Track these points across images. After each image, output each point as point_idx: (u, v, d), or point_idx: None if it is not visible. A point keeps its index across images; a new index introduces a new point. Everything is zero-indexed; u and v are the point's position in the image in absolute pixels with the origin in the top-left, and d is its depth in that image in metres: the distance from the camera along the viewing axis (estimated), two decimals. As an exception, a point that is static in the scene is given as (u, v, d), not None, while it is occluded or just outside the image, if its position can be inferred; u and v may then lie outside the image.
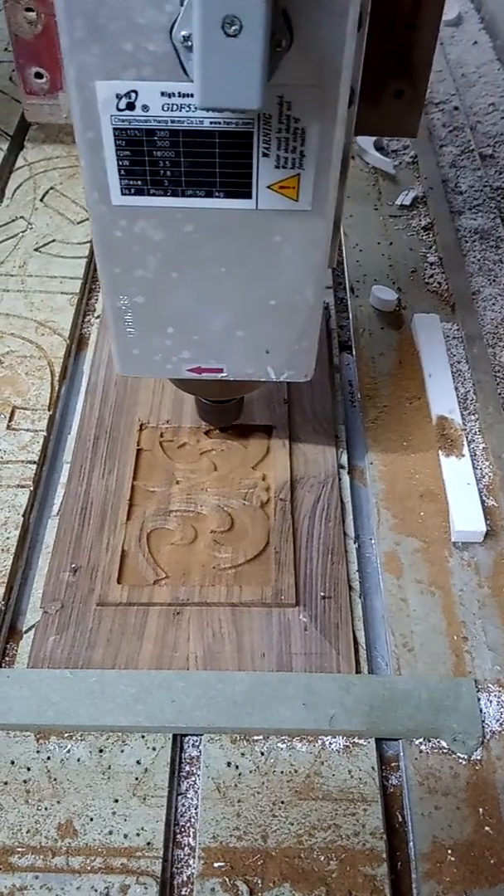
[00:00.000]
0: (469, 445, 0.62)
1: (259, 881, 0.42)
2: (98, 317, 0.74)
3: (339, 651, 0.51)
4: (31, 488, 0.59)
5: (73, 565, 0.54)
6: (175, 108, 0.35)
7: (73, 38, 0.33)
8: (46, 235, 0.81)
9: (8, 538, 0.56)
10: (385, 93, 0.49)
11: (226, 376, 0.48)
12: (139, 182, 0.38)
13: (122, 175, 0.38)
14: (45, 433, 0.63)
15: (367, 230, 0.84)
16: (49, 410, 0.64)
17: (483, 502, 0.58)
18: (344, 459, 0.62)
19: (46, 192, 0.86)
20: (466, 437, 0.63)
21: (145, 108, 0.35)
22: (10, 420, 0.63)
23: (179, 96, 0.35)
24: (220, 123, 0.36)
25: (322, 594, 0.53)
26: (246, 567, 0.55)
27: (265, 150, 0.37)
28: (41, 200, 0.85)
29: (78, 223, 0.83)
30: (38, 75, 0.45)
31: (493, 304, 0.76)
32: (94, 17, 0.33)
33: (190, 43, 0.32)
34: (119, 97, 0.35)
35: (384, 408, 0.66)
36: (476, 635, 0.52)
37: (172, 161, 0.37)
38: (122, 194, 0.39)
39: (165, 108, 0.35)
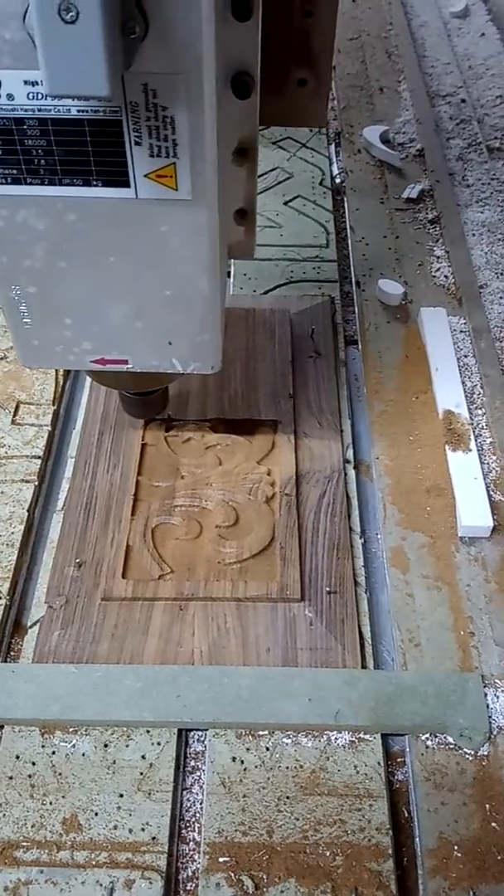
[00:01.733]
0: (476, 440, 0.62)
1: (264, 876, 0.42)
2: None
3: (345, 646, 0.50)
4: (36, 483, 0.59)
5: (78, 560, 0.54)
6: (40, 96, 0.35)
7: None
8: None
9: (13, 533, 0.56)
10: (288, 82, 0.49)
11: (131, 368, 0.48)
12: (14, 171, 0.38)
13: None
14: (49, 428, 0.63)
15: (374, 224, 0.83)
16: (53, 405, 0.64)
17: (490, 497, 0.58)
18: (350, 454, 0.62)
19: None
20: (473, 432, 0.62)
21: (10, 96, 0.35)
22: (15, 415, 0.63)
23: (42, 85, 0.35)
24: (87, 111, 0.35)
25: (328, 589, 0.53)
26: (251, 562, 0.54)
27: (137, 138, 0.36)
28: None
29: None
30: None
31: (501, 297, 0.75)
32: None
33: None
34: None
35: (390, 402, 0.65)
36: (483, 630, 0.52)
37: (45, 150, 0.37)
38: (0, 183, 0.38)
39: (31, 97, 0.35)
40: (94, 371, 0.49)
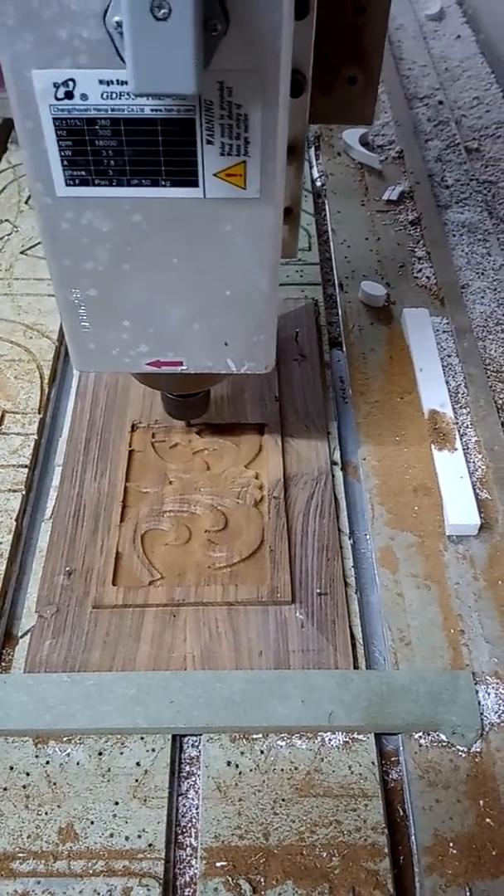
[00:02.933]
0: (461, 439, 0.62)
1: (262, 879, 0.42)
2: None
3: (337, 647, 0.51)
4: (24, 492, 0.59)
5: (68, 568, 0.54)
6: (114, 95, 0.35)
7: (6, 26, 0.33)
8: (32, 238, 0.81)
9: (1, 543, 0.56)
10: (338, 80, 0.49)
11: (185, 369, 0.47)
12: (83, 172, 0.38)
13: (65, 166, 0.38)
14: (35, 437, 0.62)
15: (355, 226, 0.84)
16: (39, 414, 0.64)
17: (476, 495, 0.59)
18: (337, 456, 0.62)
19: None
20: (458, 431, 0.63)
21: (84, 96, 0.35)
22: (1, 424, 0.63)
23: (118, 84, 0.34)
24: (161, 111, 0.35)
25: (318, 591, 0.53)
26: (241, 566, 0.55)
27: (209, 137, 0.36)
28: (26, 203, 0.85)
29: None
30: None
31: (482, 297, 0.76)
32: (26, 4, 0.32)
33: (122, 29, 0.31)
34: (57, 86, 0.35)
35: (376, 403, 0.66)
36: (473, 628, 0.52)
37: (115, 150, 0.37)
38: (67, 185, 0.38)
39: (105, 97, 0.35)
40: (143, 373, 0.48)
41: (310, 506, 0.58)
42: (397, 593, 0.54)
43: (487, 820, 0.44)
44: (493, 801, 0.45)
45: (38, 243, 0.80)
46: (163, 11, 0.28)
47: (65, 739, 0.47)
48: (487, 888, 0.42)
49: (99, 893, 0.41)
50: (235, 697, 0.48)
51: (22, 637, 0.52)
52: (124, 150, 0.37)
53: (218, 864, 0.42)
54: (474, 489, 0.59)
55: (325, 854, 0.43)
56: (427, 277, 0.78)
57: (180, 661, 0.50)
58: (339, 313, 0.74)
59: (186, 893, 0.42)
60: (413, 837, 0.44)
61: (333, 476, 0.60)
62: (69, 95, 0.35)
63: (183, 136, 0.36)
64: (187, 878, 0.43)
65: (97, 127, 0.36)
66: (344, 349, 0.71)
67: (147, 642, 0.51)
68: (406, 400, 0.66)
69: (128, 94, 0.35)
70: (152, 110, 0.35)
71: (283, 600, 0.52)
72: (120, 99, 0.35)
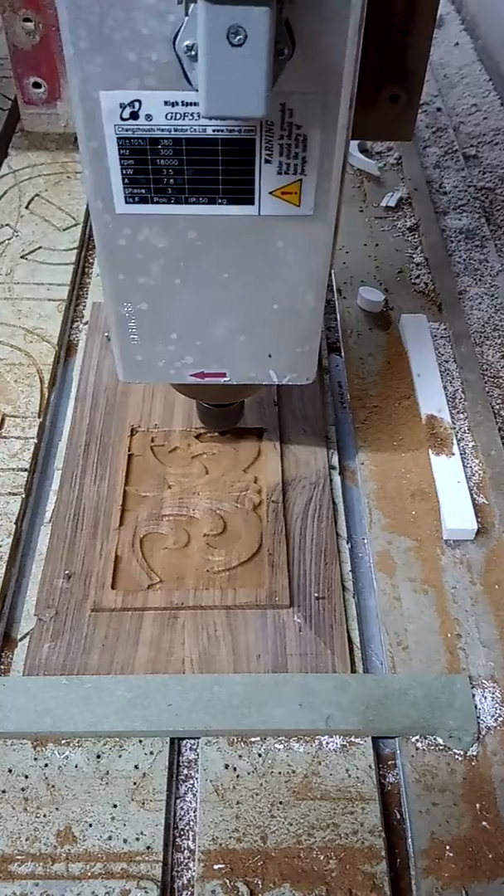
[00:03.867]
0: (459, 444, 0.63)
1: (259, 882, 0.42)
2: (87, 323, 0.74)
3: (334, 651, 0.51)
4: (23, 496, 0.59)
5: (67, 572, 0.54)
6: (178, 116, 0.36)
7: (78, 49, 0.34)
8: (33, 242, 0.81)
9: (0, 546, 0.56)
10: (380, 98, 0.50)
11: (228, 381, 0.48)
12: (143, 190, 0.39)
13: (125, 184, 0.38)
14: (35, 440, 0.63)
15: (353, 232, 0.84)
16: (39, 418, 0.64)
17: (474, 500, 0.59)
18: (335, 460, 0.62)
19: (32, 199, 0.86)
20: (456, 436, 0.63)
21: (149, 117, 0.36)
22: (1, 428, 0.63)
23: (183, 105, 0.35)
24: (222, 131, 0.36)
25: (316, 595, 0.54)
26: (239, 569, 0.55)
27: (268, 156, 0.37)
28: (26, 207, 0.85)
29: (64, 230, 0.83)
30: (37, 85, 0.45)
31: (480, 303, 0.76)
32: (99, 28, 0.33)
33: (194, 52, 0.32)
34: (123, 107, 0.35)
35: (374, 408, 0.66)
36: (469, 632, 0.52)
37: (176, 169, 0.38)
38: (126, 202, 0.39)
39: (169, 117, 0.36)
40: (184, 384, 0.49)
41: (308, 510, 0.58)
42: (395, 597, 0.54)
43: (484, 823, 0.44)
44: (489, 804, 0.45)
45: (39, 248, 0.80)
46: (238, 38, 0.29)
47: (63, 742, 0.47)
48: (483, 891, 0.42)
49: (97, 896, 0.41)
50: (233, 701, 0.48)
51: (21, 640, 0.52)
52: (184, 168, 0.38)
53: (216, 867, 0.42)
54: (471, 494, 0.59)
55: (322, 857, 0.43)
56: (425, 283, 0.78)
57: (179, 664, 0.50)
58: (338, 319, 0.75)
59: (184, 896, 0.42)
60: (410, 841, 0.44)
61: (332, 480, 0.61)
62: (134, 116, 0.36)
63: (242, 155, 0.37)
64: (185, 881, 0.43)
65: (159, 146, 0.37)
66: (342, 354, 0.71)
67: (146, 646, 0.51)
68: (404, 405, 0.66)
69: (192, 114, 0.36)
70: (214, 130, 0.36)
71: (282, 604, 0.53)
72: (183, 120, 0.36)
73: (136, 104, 0.35)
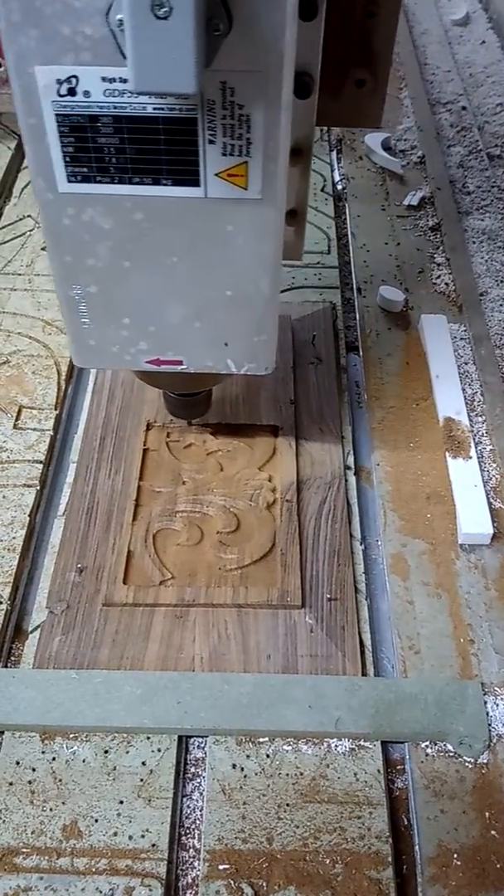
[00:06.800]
0: (476, 447, 0.62)
1: (264, 884, 0.42)
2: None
3: (345, 653, 0.51)
4: (38, 488, 0.59)
5: (79, 565, 0.54)
6: (117, 93, 0.35)
7: (10, 22, 0.33)
8: (53, 234, 0.81)
9: (14, 538, 0.56)
10: (347, 83, 0.49)
11: (185, 368, 0.47)
12: (85, 169, 0.38)
13: (67, 162, 0.38)
14: (51, 432, 0.63)
15: (375, 230, 0.84)
16: (56, 410, 0.64)
17: (490, 504, 0.58)
18: (350, 460, 0.62)
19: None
20: (474, 439, 0.63)
21: (87, 93, 0.35)
22: (17, 419, 0.63)
23: (121, 81, 0.34)
24: (163, 109, 0.35)
25: (328, 596, 0.53)
26: (252, 568, 0.55)
27: (211, 136, 0.36)
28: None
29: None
30: None
31: (501, 305, 0.75)
32: (30, 0, 0.32)
33: (124, 26, 0.31)
34: (59, 83, 0.35)
35: (391, 409, 0.66)
36: (483, 638, 0.52)
37: (117, 148, 0.37)
38: (69, 182, 0.38)
39: (107, 94, 0.35)
40: (143, 371, 0.49)
41: (322, 510, 0.58)
42: (407, 601, 0.54)
43: (493, 832, 0.44)
44: (498, 813, 0.45)
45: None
46: (164, 10, 0.29)
47: (71, 736, 0.47)
48: (491, 901, 0.42)
49: (101, 892, 0.41)
50: (243, 700, 0.48)
51: (32, 632, 0.52)
52: (126, 147, 0.37)
53: (220, 867, 0.42)
54: (488, 498, 0.59)
55: (328, 861, 0.43)
56: (446, 284, 0.78)
57: (188, 661, 0.50)
58: (357, 317, 0.74)
59: (188, 895, 0.42)
60: (417, 847, 0.44)
61: (346, 481, 0.60)
62: (72, 92, 0.35)
63: (185, 135, 0.36)
64: (189, 880, 0.43)
65: (99, 124, 0.36)
66: (360, 354, 0.71)
67: (156, 642, 0.51)
68: (421, 406, 0.66)
69: (130, 92, 0.35)
70: (154, 108, 0.35)
71: (293, 604, 0.52)
72: (122, 97, 0.35)
73: (73, 80, 0.35)
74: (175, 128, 0.36)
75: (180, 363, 0.47)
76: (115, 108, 0.35)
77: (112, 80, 0.34)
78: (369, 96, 0.50)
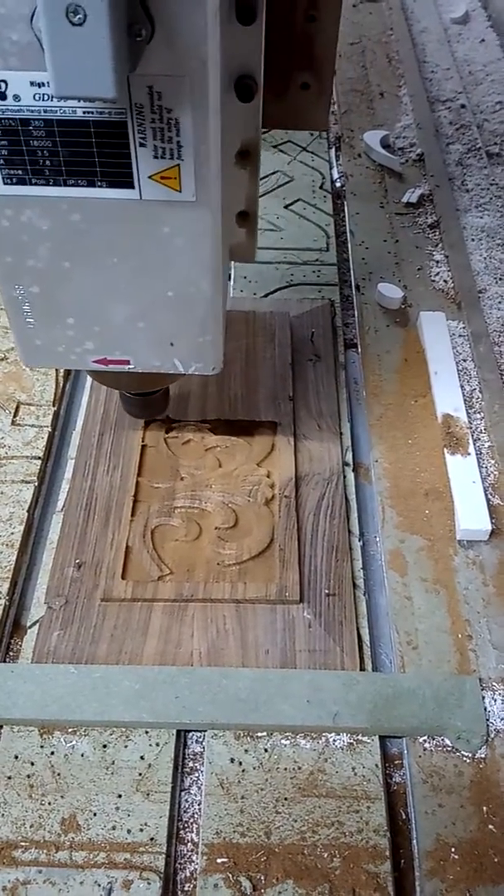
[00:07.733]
0: (474, 444, 0.62)
1: (262, 877, 0.42)
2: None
3: (344, 648, 0.51)
4: (36, 484, 0.59)
5: (78, 561, 0.54)
6: (46, 97, 0.35)
7: None
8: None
9: (12, 533, 0.56)
10: (291, 86, 0.49)
11: (133, 368, 0.48)
12: (20, 171, 0.38)
13: (1, 165, 0.38)
14: (49, 429, 0.63)
15: (374, 228, 0.84)
16: (54, 406, 0.64)
17: (488, 501, 0.58)
18: (349, 457, 0.62)
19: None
20: (472, 436, 0.63)
21: (17, 97, 0.35)
22: (15, 416, 0.63)
23: (49, 86, 0.35)
24: (93, 113, 0.36)
25: (326, 591, 0.53)
26: (250, 564, 0.55)
27: (142, 140, 0.37)
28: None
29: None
30: None
31: (500, 302, 0.76)
32: None
33: None
34: None
35: (389, 405, 0.66)
36: (480, 633, 0.52)
37: (51, 150, 0.37)
38: (5, 184, 0.39)
39: (37, 98, 0.35)
40: (95, 371, 0.49)
41: (320, 506, 0.58)
42: (406, 596, 0.54)
43: (490, 826, 0.44)
44: (496, 807, 0.45)
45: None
46: (78, 17, 0.29)
47: (70, 731, 0.47)
48: (488, 895, 0.42)
49: (100, 885, 0.41)
50: (241, 695, 0.48)
51: (30, 627, 0.52)
52: (59, 150, 0.37)
53: (219, 861, 0.42)
54: (486, 495, 0.59)
55: (326, 855, 0.43)
56: (444, 281, 0.78)
57: (187, 656, 0.50)
58: (356, 315, 0.74)
59: (187, 888, 0.42)
60: (415, 841, 0.44)
61: (345, 477, 0.60)
62: (2, 96, 0.35)
63: (115, 138, 0.37)
64: (188, 874, 0.43)
65: (31, 128, 0.36)
66: (359, 350, 0.71)
67: (154, 637, 0.51)
68: (420, 403, 0.66)
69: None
70: (84, 112, 0.36)
71: (292, 599, 0.52)
72: (52, 100, 0.35)
73: (3, 84, 0.35)
74: (105, 131, 0.36)
75: (128, 363, 0.47)
76: (45, 111, 0.36)
77: (41, 85, 0.35)
78: (314, 99, 0.50)
